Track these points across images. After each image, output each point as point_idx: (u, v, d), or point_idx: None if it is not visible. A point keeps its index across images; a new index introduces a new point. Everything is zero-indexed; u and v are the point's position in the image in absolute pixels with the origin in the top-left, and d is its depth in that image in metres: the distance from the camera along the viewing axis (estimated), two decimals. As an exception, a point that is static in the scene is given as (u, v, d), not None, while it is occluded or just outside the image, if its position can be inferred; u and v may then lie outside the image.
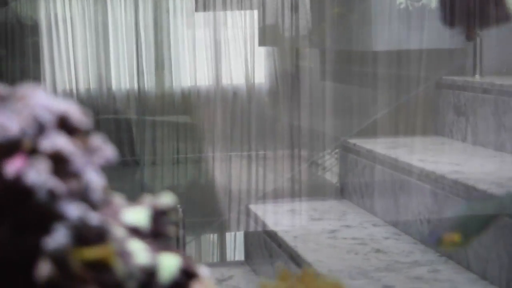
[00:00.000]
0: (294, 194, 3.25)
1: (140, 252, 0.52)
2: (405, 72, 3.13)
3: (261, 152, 3.35)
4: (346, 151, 3.03)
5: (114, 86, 3.20)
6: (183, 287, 0.54)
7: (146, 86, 3.17)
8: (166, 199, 0.56)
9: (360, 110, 3.22)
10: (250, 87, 3.19)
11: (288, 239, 2.46)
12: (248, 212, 3.05)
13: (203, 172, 3.43)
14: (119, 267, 0.51)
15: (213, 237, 3.40)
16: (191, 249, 3.41)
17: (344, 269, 2.03)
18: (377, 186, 2.71)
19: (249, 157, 3.35)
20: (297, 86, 3.29)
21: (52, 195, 0.44)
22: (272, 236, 2.62)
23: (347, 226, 2.52)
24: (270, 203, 3.13)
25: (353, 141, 2.94)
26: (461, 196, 2.04)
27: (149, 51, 3.16)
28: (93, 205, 0.47)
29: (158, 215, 0.55)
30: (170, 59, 3.14)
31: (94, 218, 0.45)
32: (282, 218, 2.82)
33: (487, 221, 1.11)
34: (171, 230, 0.55)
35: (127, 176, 3.21)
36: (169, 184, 3.40)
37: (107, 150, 0.48)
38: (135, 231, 0.54)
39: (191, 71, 3.16)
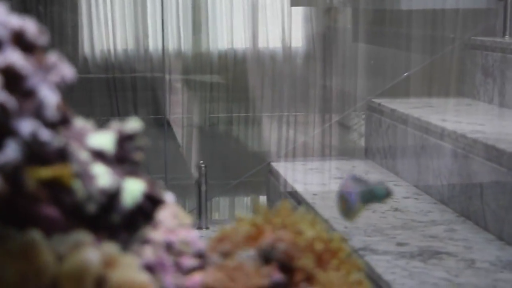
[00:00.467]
0: (319, 153, 3.25)
1: (103, 176, 0.52)
2: (435, 32, 3.08)
3: (292, 114, 3.35)
4: (371, 111, 3.00)
5: (151, 47, 3.21)
6: (147, 212, 0.54)
7: (182, 47, 3.17)
8: (133, 125, 0.55)
9: (387, 70, 3.18)
10: (287, 50, 3.18)
11: (308, 196, 2.45)
12: (271, 170, 3.05)
13: (233, 132, 3.43)
14: (78, 188, 0.50)
15: (236, 195, 3.41)
16: (216, 207, 3.43)
17: (360, 226, 2.02)
18: (399, 146, 2.69)
19: (280, 118, 3.34)
20: (331, 47, 3.27)
21: (3, 110, 0.44)
22: (292, 193, 2.62)
23: (367, 185, 2.49)
24: (293, 161, 3.13)
25: (378, 100, 2.91)
26: (480, 156, 2.01)
27: (187, 13, 3.16)
28: (47, 123, 0.46)
29: (124, 140, 0.55)
30: (207, 21, 3.13)
31: (46, 134, 0.45)
32: (304, 176, 2.82)
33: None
34: (137, 155, 0.55)
35: (159, 135, 3.21)
36: (200, 143, 3.41)
37: (64, 68, 0.48)
38: (99, 155, 0.54)
39: (228, 34, 3.15)
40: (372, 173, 2.76)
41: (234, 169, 3.28)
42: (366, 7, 3.17)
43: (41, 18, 3.16)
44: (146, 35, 3.14)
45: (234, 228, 0.64)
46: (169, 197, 0.55)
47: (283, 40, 3.15)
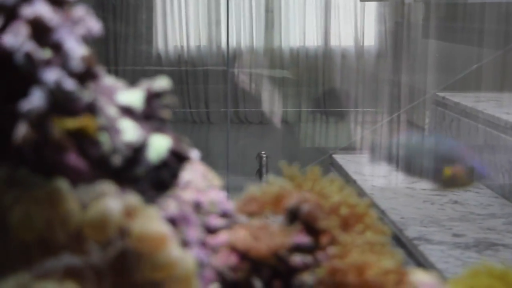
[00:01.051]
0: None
1: (129, 130, 0.54)
2: (500, 27, 3.02)
3: (360, 110, 3.34)
4: (435, 105, 2.97)
5: (222, 43, 3.26)
6: (172, 168, 0.56)
7: (255, 44, 3.20)
8: (162, 83, 0.57)
9: (455, 65, 3.14)
10: (358, 48, 3.17)
11: (366, 187, 2.45)
12: (332, 162, 3.05)
13: (299, 125, 3.44)
14: (104, 141, 0.52)
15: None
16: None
17: (417, 217, 2.00)
18: (462, 139, 2.65)
19: (348, 113, 3.34)
20: (402, 44, 3.25)
21: (30, 60, 0.46)
22: (351, 184, 2.62)
23: (428, 178, 2.47)
24: (355, 154, 3.12)
25: (442, 94, 2.88)
26: (543, 149, 1.97)
27: (260, 11, 3.18)
28: (73, 74, 0.48)
29: (152, 98, 0.56)
30: (280, 19, 3.15)
31: (70, 84, 0.47)
32: (364, 168, 2.80)
33: None
34: (164, 112, 0.57)
35: (224, 126, 3.25)
36: (264, 136, 3.43)
37: (90, 22, 0.50)
38: (127, 111, 0.55)
39: (300, 32, 3.16)
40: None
41: (296, 160, 3.28)
42: (439, 1, 3.14)
43: (117, 14, 3.23)
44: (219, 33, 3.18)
45: (262, 190, 0.65)
46: (194, 154, 0.56)
47: (355, 38, 3.14)
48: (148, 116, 0.56)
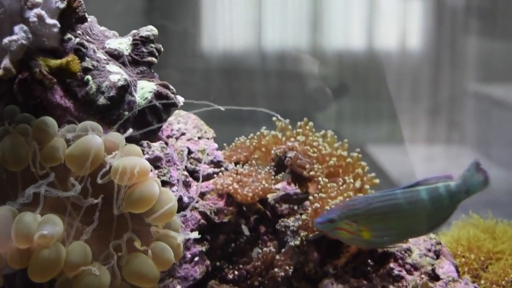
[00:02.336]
0: (421, 140, 3.21)
1: (115, 73, 0.55)
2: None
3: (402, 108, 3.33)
4: (469, 97, 2.94)
5: (269, 45, 3.27)
6: (157, 110, 0.58)
7: (300, 45, 3.20)
8: (149, 30, 0.58)
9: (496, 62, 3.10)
10: (402, 49, 3.16)
11: (394, 176, 2.44)
12: (363, 153, 3.03)
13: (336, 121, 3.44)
14: (90, 82, 0.54)
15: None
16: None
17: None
18: (494, 133, 2.62)
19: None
20: (445, 43, 3.23)
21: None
22: (381, 173, 2.61)
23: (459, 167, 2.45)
24: (390, 146, 3.11)
25: (476, 86, 2.85)
26: None
27: (304, 12, 3.18)
28: (53, 11, 0.50)
29: (140, 44, 0.58)
30: (324, 20, 3.15)
31: (51, 20, 0.49)
32: (396, 158, 2.79)
33: None
34: (150, 58, 0.58)
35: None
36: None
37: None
38: (115, 56, 0.57)
39: (345, 34, 3.15)
40: (463, 157, 2.71)
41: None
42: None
43: (166, 18, 3.26)
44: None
45: (251, 140, 0.67)
46: (180, 99, 0.58)
47: (400, 38, 3.12)
48: (135, 61, 0.58)
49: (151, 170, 0.55)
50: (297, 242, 0.61)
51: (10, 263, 0.58)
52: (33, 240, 0.55)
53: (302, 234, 0.62)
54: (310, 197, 0.60)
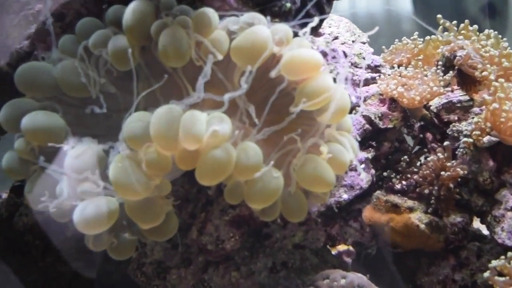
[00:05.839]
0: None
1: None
2: None
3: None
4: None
5: None
6: (319, 2, 0.53)
7: None
8: None
9: None
10: None
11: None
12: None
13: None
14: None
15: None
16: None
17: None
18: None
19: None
20: None
21: None
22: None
23: None
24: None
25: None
26: None
27: None
28: None
29: None
30: None
31: None
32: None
33: None
34: None
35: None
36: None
37: None
38: None
39: None
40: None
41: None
42: None
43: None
44: None
45: (414, 42, 0.61)
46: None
47: None
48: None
49: (322, 60, 0.50)
50: (471, 148, 0.56)
51: (179, 165, 0.52)
52: (203, 139, 0.49)
53: (474, 139, 0.56)
54: (486, 96, 0.54)
